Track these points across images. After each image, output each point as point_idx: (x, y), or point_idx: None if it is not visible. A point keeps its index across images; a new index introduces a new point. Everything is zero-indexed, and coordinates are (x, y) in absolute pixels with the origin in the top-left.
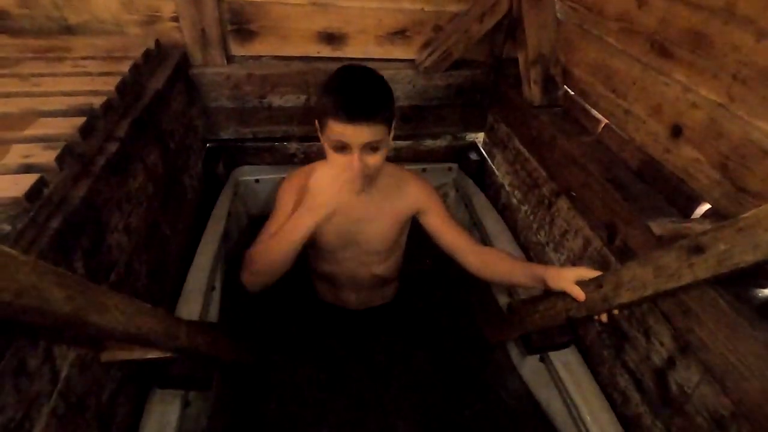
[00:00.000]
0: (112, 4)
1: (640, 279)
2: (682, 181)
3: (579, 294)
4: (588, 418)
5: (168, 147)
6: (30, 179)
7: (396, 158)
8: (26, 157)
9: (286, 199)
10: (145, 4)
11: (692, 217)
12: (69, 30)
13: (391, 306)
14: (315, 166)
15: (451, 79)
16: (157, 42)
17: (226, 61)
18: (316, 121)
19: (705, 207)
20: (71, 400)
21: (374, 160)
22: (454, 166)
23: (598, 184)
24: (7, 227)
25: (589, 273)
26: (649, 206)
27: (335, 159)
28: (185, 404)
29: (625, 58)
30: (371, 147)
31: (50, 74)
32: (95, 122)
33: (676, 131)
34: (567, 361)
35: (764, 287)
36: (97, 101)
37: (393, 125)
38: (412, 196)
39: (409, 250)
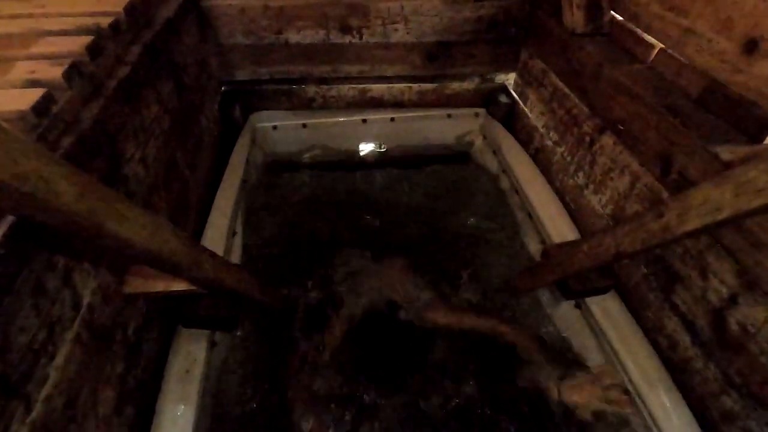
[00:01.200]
0: None
1: (714, 201)
2: (754, 103)
3: None
4: (630, 365)
5: (182, 82)
6: (36, 93)
7: (420, 103)
8: (31, 72)
9: None
10: None
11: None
12: None
13: None
14: None
15: (482, 10)
16: None
17: None
18: None
19: None
20: (95, 330)
21: None
22: (482, 111)
23: (653, 113)
24: None
25: None
26: (712, 133)
27: None
28: (212, 344)
29: None
30: None
31: None
32: (104, 42)
33: (751, 46)
34: (606, 307)
35: None
36: (105, 21)
37: None
38: None
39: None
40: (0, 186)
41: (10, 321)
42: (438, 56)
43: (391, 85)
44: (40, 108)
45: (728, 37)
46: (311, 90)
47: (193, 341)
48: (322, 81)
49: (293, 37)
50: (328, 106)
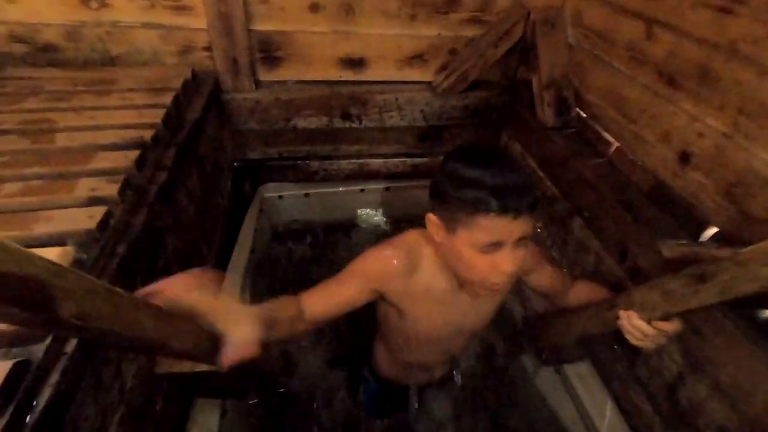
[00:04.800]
0: (152, 36)
1: (649, 302)
2: (691, 205)
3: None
4: (601, 428)
5: (204, 170)
6: (99, 211)
7: (414, 174)
8: (93, 190)
9: (363, 278)
10: (181, 35)
11: (700, 240)
12: (111, 61)
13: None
14: (418, 261)
15: (467, 100)
16: (193, 71)
17: (254, 86)
18: (437, 218)
19: (713, 230)
20: (134, 409)
21: (523, 254)
22: None
23: (610, 206)
24: (84, 256)
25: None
26: (659, 228)
27: (480, 262)
28: (223, 413)
29: (635, 85)
30: (522, 242)
31: (102, 107)
32: (147, 154)
33: (685, 158)
34: (581, 374)
35: (767, 308)
36: (148, 134)
37: None
38: None
39: None
40: (115, 336)
41: (79, 414)
42: (429, 137)
43: (386, 160)
44: (103, 225)
45: (668, 146)
46: (314, 164)
47: (207, 411)
48: (324, 157)
49: (300, 123)
50: (329, 178)
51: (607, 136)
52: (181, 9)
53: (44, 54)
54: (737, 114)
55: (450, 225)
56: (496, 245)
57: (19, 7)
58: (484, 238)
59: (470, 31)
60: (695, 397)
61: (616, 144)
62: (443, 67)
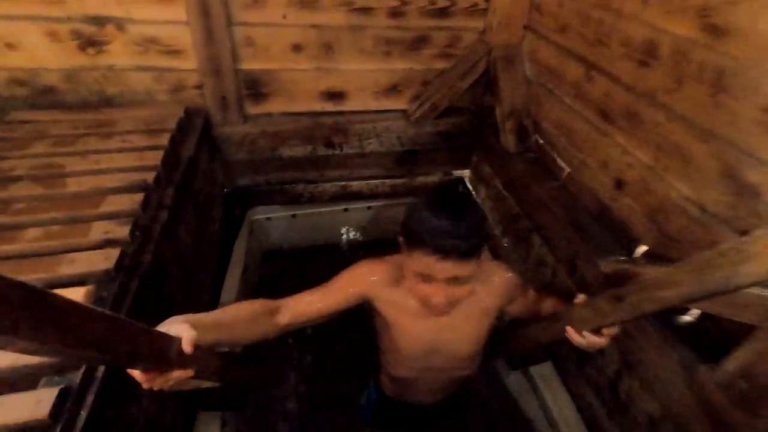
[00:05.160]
0: (146, 78)
1: (585, 317)
2: (626, 226)
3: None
4: (559, 420)
5: (199, 202)
6: (114, 253)
7: (393, 193)
8: (106, 233)
9: (346, 284)
10: (173, 76)
11: (634, 256)
12: (107, 101)
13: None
14: (401, 276)
15: (439, 126)
16: (186, 110)
17: (243, 120)
18: (401, 237)
19: (644, 248)
20: (149, 422)
21: (459, 292)
22: None
23: (562, 226)
24: (104, 294)
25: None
26: (602, 246)
27: (417, 288)
28: (223, 424)
29: (579, 118)
30: (457, 281)
31: (105, 150)
32: (150, 195)
33: (619, 185)
34: (544, 374)
35: (682, 314)
36: (149, 176)
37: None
38: (501, 291)
39: None
40: (150, 364)
41: (109, 430)
42: (406, 161)
43: (367, 181)
44: (118, 265)
45: (606, 174)
46: (300, 188)
47: (209, 423)
48: (309, 182)
49: (286, 152)
50: (314, 199)
51: (560, 161)
52: (172, 53)
53: (44, 96)
54: (657, 150)
55: (405, 247)
56: (426, 277)
57: (20, 53)
58: (417, 268)
59: (440, 64)
60: (630, 391)
61: (567, 169)
62: (416, 97)
